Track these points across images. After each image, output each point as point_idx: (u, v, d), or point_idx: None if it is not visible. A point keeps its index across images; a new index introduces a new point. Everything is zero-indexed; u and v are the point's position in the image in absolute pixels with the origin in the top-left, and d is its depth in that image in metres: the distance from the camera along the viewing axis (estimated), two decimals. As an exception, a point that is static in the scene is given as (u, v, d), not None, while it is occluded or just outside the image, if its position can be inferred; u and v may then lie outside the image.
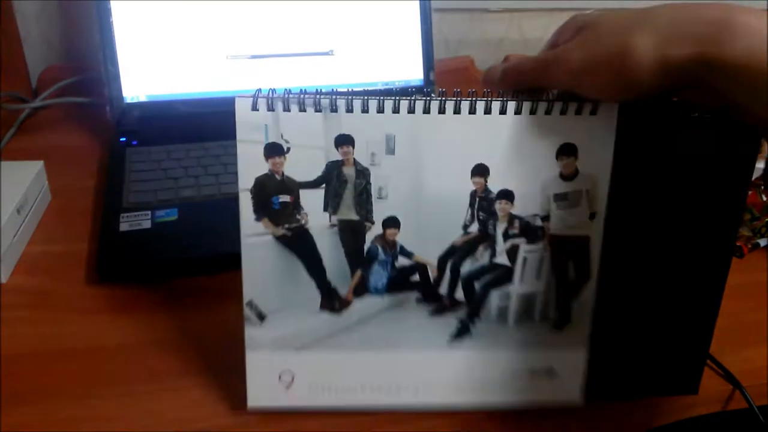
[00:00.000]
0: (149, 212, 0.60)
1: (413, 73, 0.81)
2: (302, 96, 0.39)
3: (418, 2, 0.79)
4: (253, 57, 0.75)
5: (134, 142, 0.71)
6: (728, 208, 0.42)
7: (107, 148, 0.73)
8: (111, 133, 0.73)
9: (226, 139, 0.71)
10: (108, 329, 0.51)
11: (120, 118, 0.73)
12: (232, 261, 0.53)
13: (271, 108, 0.39)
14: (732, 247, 0.43)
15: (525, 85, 0.40)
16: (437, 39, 0.81)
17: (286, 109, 0.39)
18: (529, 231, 0.42)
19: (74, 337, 0.50)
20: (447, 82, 0.85)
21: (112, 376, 0.47)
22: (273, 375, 0.44)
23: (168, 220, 0.60)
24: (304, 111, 0.39)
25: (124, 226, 0.59)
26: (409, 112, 0.39)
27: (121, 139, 0.72)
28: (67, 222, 0.63)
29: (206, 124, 0.73)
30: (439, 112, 0.39)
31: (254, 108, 0.39)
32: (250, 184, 0.40)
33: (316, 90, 0.39)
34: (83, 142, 0.77)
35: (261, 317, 0.42)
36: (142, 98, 0.74)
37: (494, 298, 0.44)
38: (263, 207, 0.41)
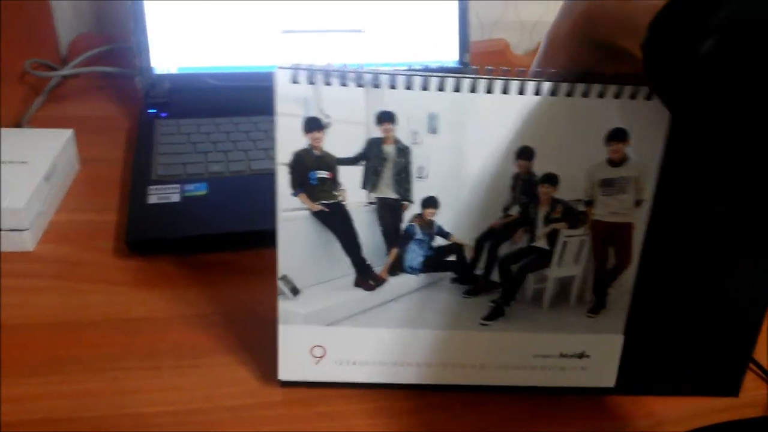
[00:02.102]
0: (178, 185, 0.60)
1: (447, 53, 0.80)
2: (344, 70, 0.38)
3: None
4: (285, 32, 0.74)
5: (163, 114, 0.71)
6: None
7: (136, 119, 0.72)
8: (140, 104, 0.73)
9: (256, 115, 0.70)
10: (135, 302, 0.51)
11: (149, 90, 0.73)
12: (262, 238, 0.53)
13: (311, 81, 0.38)
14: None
15: None
16: (472, 20, 0.79)
17: (327, 82, 0.38)
18: (571, 216, 0.41)
19: (100, 308, 0.50)
20: (481, 64, 0.84)
21: (137, 350, 0.47)
22: (304, 349, 0.43)
23: (197, 195, 0.59)
24: (346, 85, 0.38)
25: (152, 199, 0.58)
26: (454, 91, 0.38)
27: (150, 111, 0.71)
28: (96, 192, 0.63)
29: (236, 99, 0.72)
30: (486, 92, 0.38)
31: (294, 81, 0.38)
32: (289, 158, 0.40)
33: (359, 64, 0.38)
34: (112, 112, 0.77)
35: (295, 291, 0.42)
36: (173, 70, 0.73)
37: (530, 280, 0.43)
38: (301, 182, 0.40)
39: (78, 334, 0.48)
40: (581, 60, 0.38)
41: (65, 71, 0.81)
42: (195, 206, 0.58)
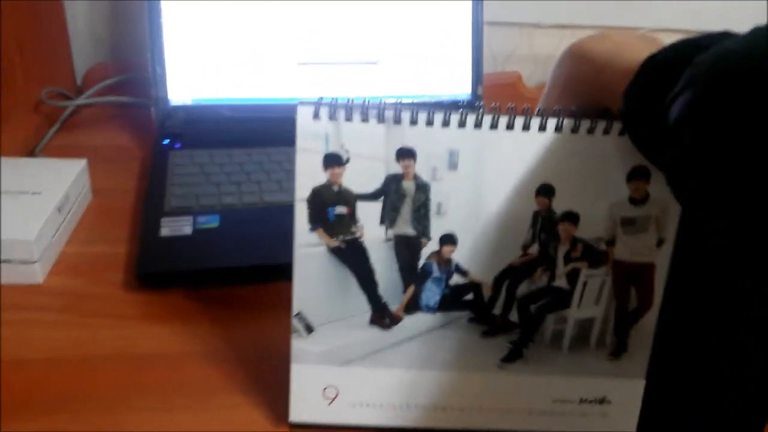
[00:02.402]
0: (191, 217, 0.59)
1: (460, 86, 0.79)
2: (366, 106, 0.38)
3: (470, 15, 0.78)
4: (300, 64, 0.74)
5: (177, 145, 0.71)
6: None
7: (150, 150, 0.72)
8: (154, 134, 0.73)
9: (270, 146, 0.70)
10: (144, 337, 0.50)
11: (164, 120, 0.73)
12: (275, 272, 0.52)
13: (332, 117, 0.38)
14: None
15: None
16: (484, 53, 0.79)
17: (348, 118, 0.38)
18: (591, 255, 0.40)
19: (109, 343, 0.49)
20: (493, 97, 0.83)
21: (146, 387, 0.46)
22: (317, 389, 0.42)
23: (210, 227, 0.59)
24: (367, 121, 0.38)
25: (165, 231, 0.58)
26: (475, 127, 0.38)
27: (165, 141, 0.71)
28: (107, 223, 0.63)
29: (250, 130, 0.72)
30: (507, 128, 0.38)
31: (316, 116, 0.38)
32: (307, 193, 0.39)
33: (380, 100, 0.38)
34: (126, 142, 0.77)
35: (309, 329, 0.41)
36: (187, 101, 0.73)
37: (549, 321, 0.42)
38: (319, 217, 0.39)
39: (86, 370, 0.47)
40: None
41: (80, 101, 0.82)
42: (207, 239, 0.57)
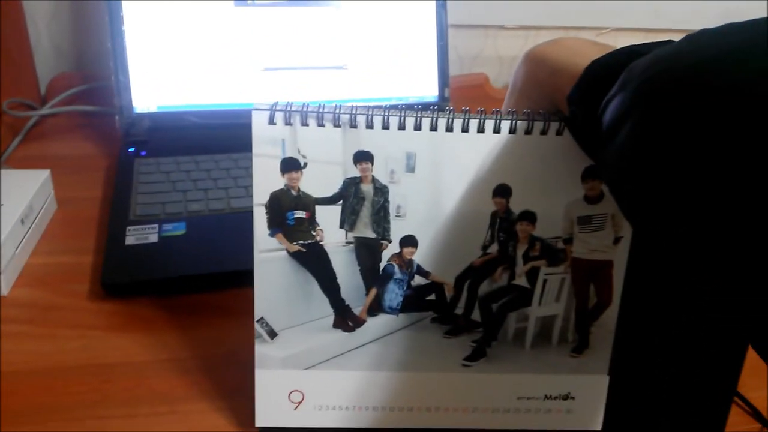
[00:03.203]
0: (156, 225, 0.59)
1: (428, 89, 0.80)
2: (321, 110, 0.38)
3: (434, 18, 0.79)
4: (267, 69, 0.74)
5: (143, 153, 0.70)
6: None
7: (115, 158, 0.72)
8: (120, 143, 0.72)
9: (237, 152, 0.70)
10: (110, 347, 0.50)
11: (129, 128, 0.72)
12: (241, 278, 0.52)
13: (288, 122, 0.38)
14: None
15: None
16: (451, 55, 0.80)
17: (304, 123, 0.38)
18: (550, 253, 0.41)
19: (75, 354, 0.49)
20: (461, 98, 0.84)
21: (113, 397, 0.46)
22: (282, 394, 0.42)
23: (175, 234, 0.58)
24: (323, 126, 0.38)
25: (130, 240, 0.57)
26: (431, 130, 0.38)
27: (130, 150, 0.71)
28: (72, 233, 0.62)
29: (217, 136, 0.72)
30: (462, 131, 0.38)
31: (271, 122, 0.38)
32: (266, 198, 0.39)
33: (336, 104, 0.38)
34: (91, 151, 0.76)
35: (272, 334, 0.41)
36: (153, 108, 0.73)
37: (511, 320, 0.43)
38: (278, 222, 0.40)
39: (51, 382, 0.46)
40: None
41: (44, 111, 0.81)
42: (173, 246, 0.57)
